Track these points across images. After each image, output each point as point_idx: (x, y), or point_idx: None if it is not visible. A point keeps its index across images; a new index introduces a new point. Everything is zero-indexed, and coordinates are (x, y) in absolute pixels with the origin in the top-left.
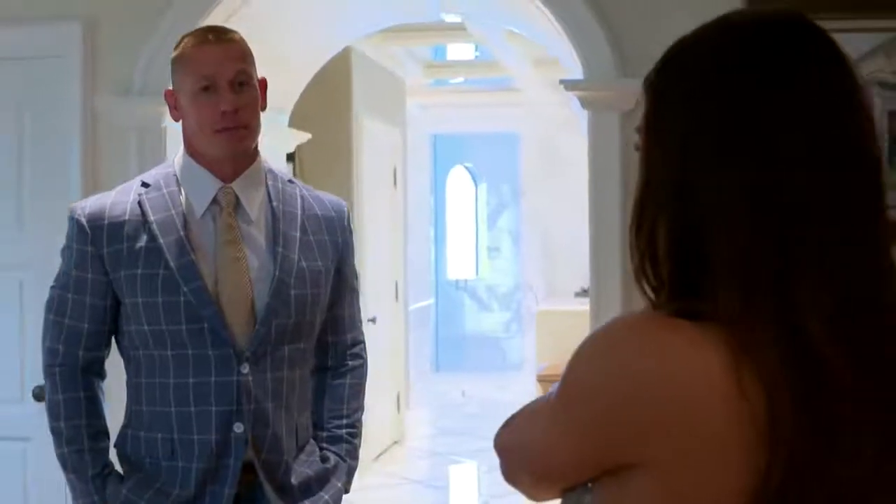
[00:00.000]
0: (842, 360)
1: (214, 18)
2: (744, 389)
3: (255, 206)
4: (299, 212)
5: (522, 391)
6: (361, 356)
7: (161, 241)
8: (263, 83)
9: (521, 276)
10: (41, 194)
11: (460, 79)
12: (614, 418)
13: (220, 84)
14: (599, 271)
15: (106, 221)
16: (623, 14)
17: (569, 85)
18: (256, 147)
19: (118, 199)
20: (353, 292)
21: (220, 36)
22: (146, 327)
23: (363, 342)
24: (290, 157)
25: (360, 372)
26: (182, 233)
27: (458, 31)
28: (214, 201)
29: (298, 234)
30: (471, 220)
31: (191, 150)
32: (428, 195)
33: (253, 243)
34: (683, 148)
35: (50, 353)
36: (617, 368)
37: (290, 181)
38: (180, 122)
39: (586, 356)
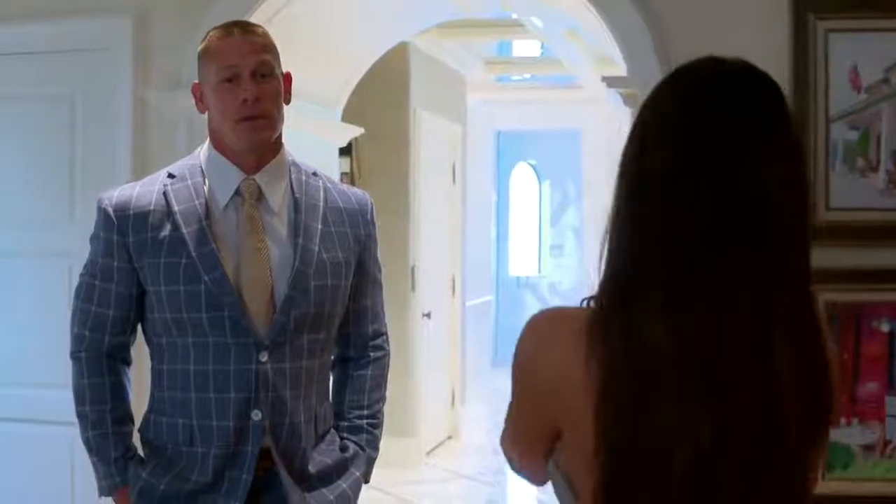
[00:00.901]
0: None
1: (261, 13)
2: (590, 372)
3: (277, 197)
4: (322, 204)
5: None
6: (384, 347)
7: (184, 230)
8: (288, 77)
9: (584, 273)
10: (92, 184)
11: (527, 75)
12: (532, 392)
13: (242, 74)
14: None
15: (132, 211)
16: (668, 13)
17: (611, 81)
18: (280, 139)
19: (144, 189)
20: (377, 284)
21: (244, 28)
22: (168, 315)
23: (385, 334)
24: (344, 152)
25: (383, 363)
26: (204, 222)
27: (516, 27)
28: (237, 192)
29: (320, 226)
30: (534, 217)
31: (215, 141)
32: (490, 191)
33: (274, 234)
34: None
35: (77, 339)
36: (521, 354)
37: (314, 174)
38: (206, 113)
39: (517, 342)
